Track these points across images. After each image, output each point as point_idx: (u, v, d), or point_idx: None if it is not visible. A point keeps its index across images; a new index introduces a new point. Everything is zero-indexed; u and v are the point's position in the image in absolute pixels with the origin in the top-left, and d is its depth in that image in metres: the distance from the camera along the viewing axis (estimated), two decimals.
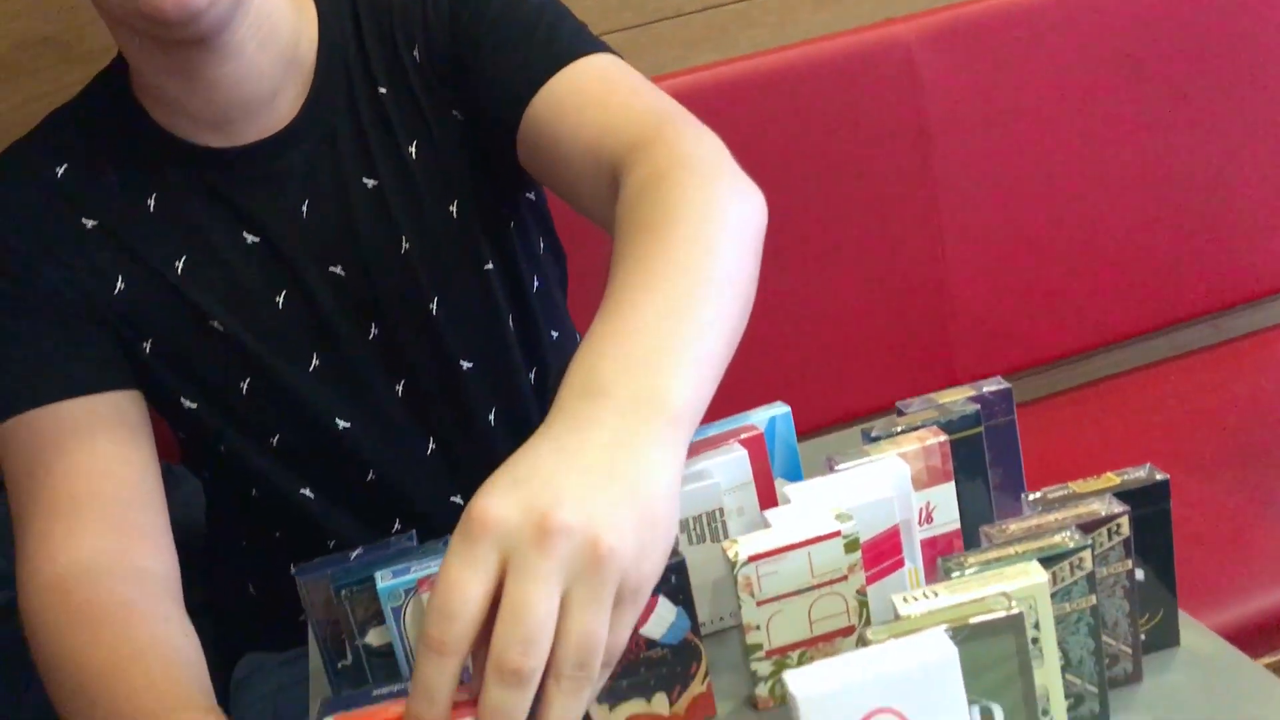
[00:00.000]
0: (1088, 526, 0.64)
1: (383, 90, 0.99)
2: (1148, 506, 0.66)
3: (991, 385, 0.82)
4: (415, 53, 0.99)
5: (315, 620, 0.78)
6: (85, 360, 0.94)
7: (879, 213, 1.51)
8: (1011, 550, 0.63)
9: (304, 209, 0.98)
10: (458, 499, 1.06)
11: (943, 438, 0.76)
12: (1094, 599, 0.63)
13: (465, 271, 1.02)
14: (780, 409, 0.85)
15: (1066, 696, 0.63)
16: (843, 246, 1.50)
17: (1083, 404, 1.61)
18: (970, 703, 0.58)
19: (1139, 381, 1.64)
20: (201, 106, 0.94)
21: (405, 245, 0.99)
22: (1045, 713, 0.62)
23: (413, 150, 0.99)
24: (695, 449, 0.82)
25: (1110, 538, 0.65)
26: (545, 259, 1.11)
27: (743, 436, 0.82)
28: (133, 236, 0.96)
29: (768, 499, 0.81)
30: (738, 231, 0.75)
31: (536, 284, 1.09)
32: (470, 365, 1.04)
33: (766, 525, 0.72)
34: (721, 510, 0.78)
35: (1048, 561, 0.62)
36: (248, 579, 1.14)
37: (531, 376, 1.08)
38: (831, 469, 0.76)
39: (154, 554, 0.89)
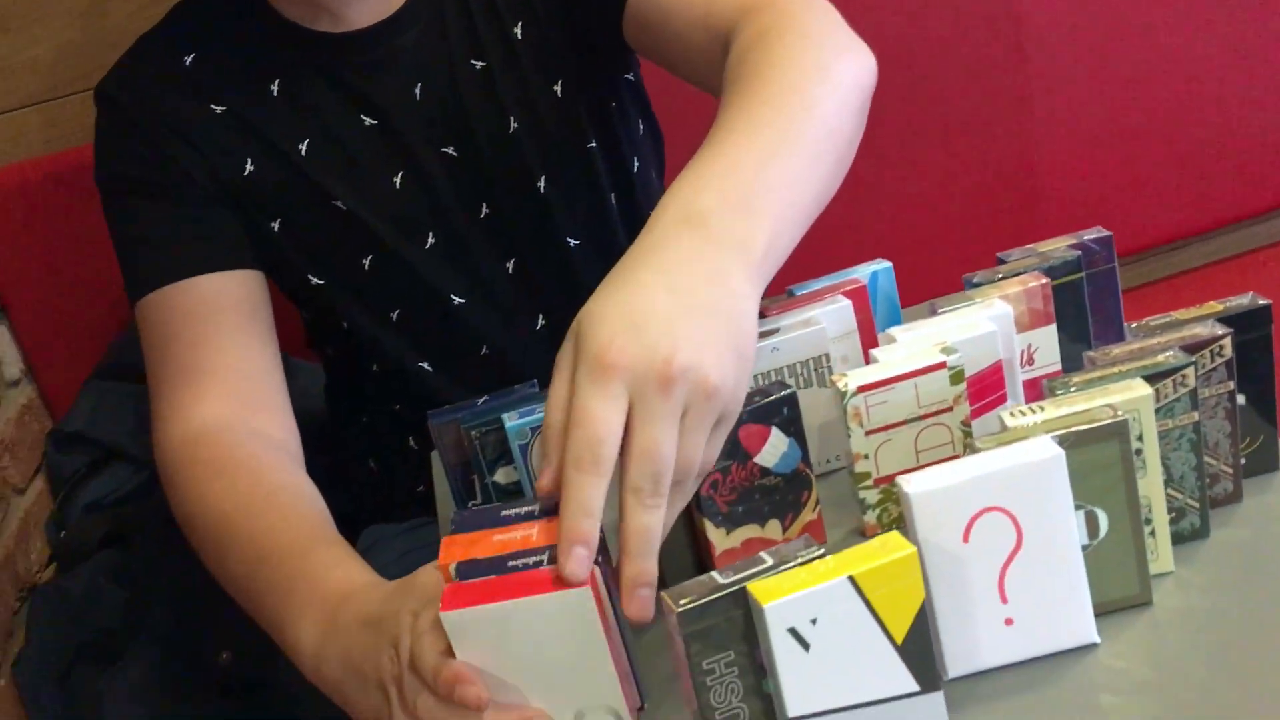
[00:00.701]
0: (1191, 348, 0.66)
1: None
2: (1250, 331, 0.68)
3: (1092, 234, 0.83)
4: None
5: (447, 463, 0.83)
6: (215, 240, 1.00)
7: (972, 100, 1.51)
8: (1115, 369, 0.66)
9: (416, 91, 1.02)
10: None
11: (1044, 280, 0.78)
12: (1196, 415, 0.65)
13: (570, 150, 1.06)
14: (882, 264, 0.88)
15: (1168, 510, 0.66)
16: (935, 138, 1.50)
17: (1180, 291, 1.61)
18: (1076, 507, 0.61)
19: (1239, 266, 1.63)
20: None
21: (513, 125, 1.03)
22: (1148, 522, 0.65)
23: (518, 31, 1.02)
24: (801, 301, 0.86)
25: (1213, 359, 0.67)
26: (644, 140, 1.14)
27: (846, 289, 0.85)
28: (258, 120, 1.01)
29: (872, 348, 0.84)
30: (842, 88, 0.77)
31: (636, 164, 1.12)
32: (577, 243, 1.08)
33: (872, 362, 0.75)
34: (827, 356, 0.82)
35: (1151, 379, 0.64)
36: (368, 454, 1.20)
37: None
38: (934, 313, 0.79)
39: (274, 421, 0.95)
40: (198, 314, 0.97)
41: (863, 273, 0.88)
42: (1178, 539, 0.67)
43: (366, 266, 1.05)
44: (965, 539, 0.60)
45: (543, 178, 1.05)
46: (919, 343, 0.75)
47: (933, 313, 0.79)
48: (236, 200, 1.01)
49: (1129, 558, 0.63)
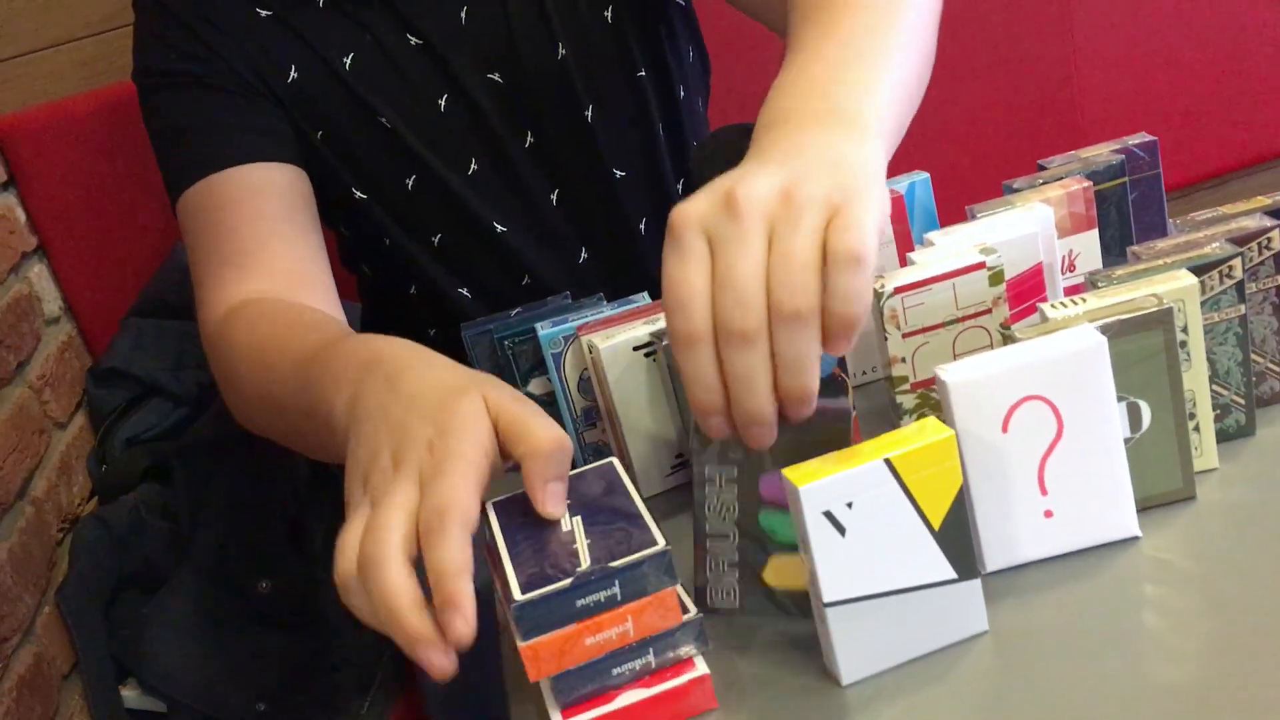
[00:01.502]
0: (1239, 240, 0.64)
1: None
2: None
3: (1137, 139, 0.81)
4: None
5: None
6: (261, 132, 0.98)
7: (1012, 35, 1.48)
8: (1160, 262, 0.64)
9: (463, 14, 1.01)
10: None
11: (1087, 184, 0.77)
12: (1242, 309, 0.64)
13: (619, 78, 1.04)
14: (919, 175, 0.87)
15: (1213, 407, 0.65)
16: (975, 54, 1.48)
17: None
18: (1118, 398, 0.60)
19: None
20: None
21: (561, 51, 1.02)
22: (1191, 417, 0.63)
23: None
24: None
25: (1260, 252, 0.65)
26: (692, 67, 1.13)
27: None
28: (304, 27, 1.00)
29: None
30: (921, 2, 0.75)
31: (683, 92, 1.11)
32: (623, 173, 1.07)
33: (909, 265, 0.74)
34: None
35: (1197, 270, 0.63)
36: None
37: (680, 186, 1.11)
38: (973, 218, 0.77)
39: (321, 299, 0.93)
40: (241, 202, 0.96)
41: (900, 184, 0.86)
42: (1222, 436, 0.66)
43: (410, 187, 1.04)
44: (1004, 429, 0.59)
45: (590, 106, 1.04)
46: (957, 245, 0.74)
47: (971, 218, 0.78)
48: (282, 103, 1.00)
49: (1172, 452, 0.62)
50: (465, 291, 1.09)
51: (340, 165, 1.02)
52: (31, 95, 1.39)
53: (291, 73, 1.00)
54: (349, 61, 1.00)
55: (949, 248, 0.74)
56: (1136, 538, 0.61)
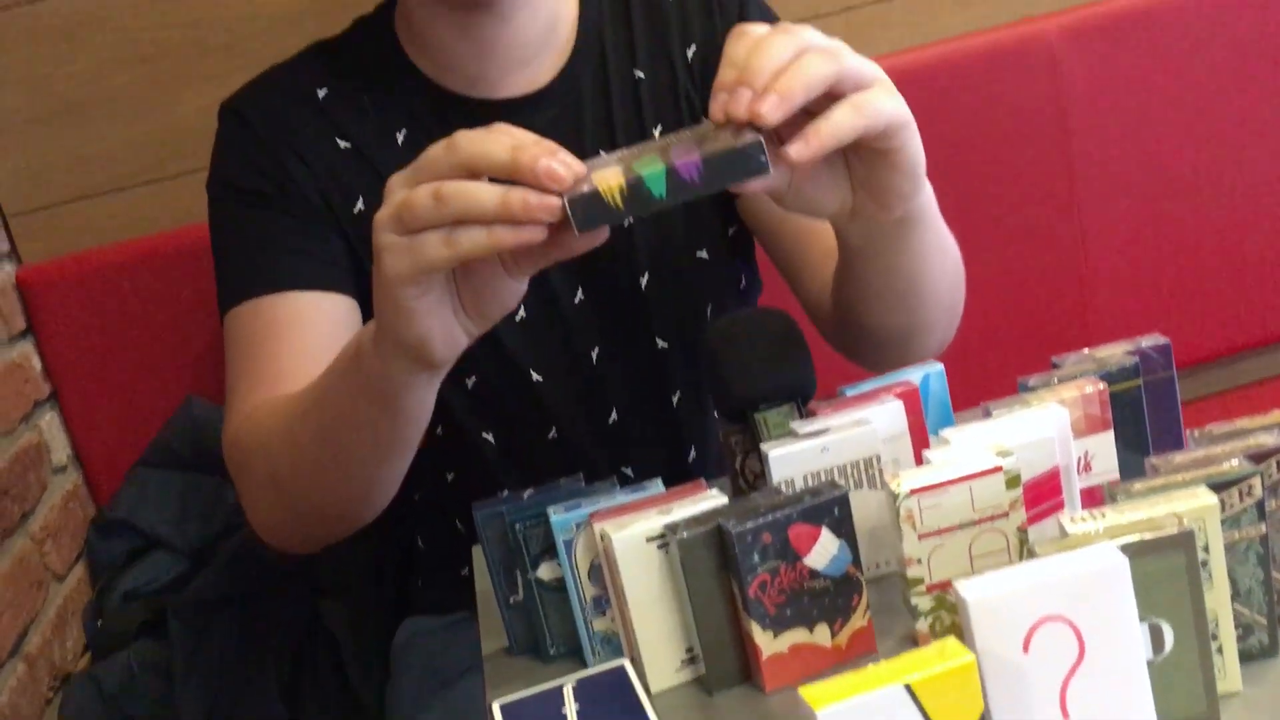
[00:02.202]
0: (1257, 457, 0.64)
1: (640, 74, 1.05)
2: None
3: (1150, 340, 0.82)
4: (689, 51, 1.06)
5: (490, 556, 0.82)
6: (320, 259, 1.00)
7: (1020, 209, 1.51)
8: (1179, 478, 0.64)
9: None
10: (628, 470, 1.10)
11: (1101, 385, 0.77)
12: (1264, 528, 0.63)
13: (681, 255, 1.07)
14: (934, 367, 0.87)
15: (1235, 627, 0.64)
16: (985, 245, 1.50)
17: (1230, 409, 1.58)
18: (1140, 619, 0.59)
19: None
20: (465, 60, 1.02)
21: (629, 219, 1.04)
22: (1214, 638, 0.62)
23: (657, 132, 1.05)
24: (851, 403, 0.85)
25: (1279, 469, 0.65)
26: (749, 271, 1.15)
27: (897, 391, 0.84)
28: (380, 163, 1.02)
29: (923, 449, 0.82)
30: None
31: (744, 282, 1.14)
32: (665, 345, 1.08)
33: (925, 464, 0.74)
34: (878, 458, 0.80)
35: (1217, 488, 0.62)
36: (416, 531, 1.18)
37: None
38: (988, 415, 0.77)
39: None
40: (286, 326, 0.97)
41: (915, 375, 0.87)
42: (1245, 657, 0.65)
43: None
44: (1025, 649, 0.58)
45: (646, 274, 1.06)
46: (972, 445, 0.74)
47: (986, 415, 0.78)
48: (340, 230, 1.02)
49: (1196, 674, 0.61)
50: (490, 437, 1.09)
51: None
52: (59, 247, 1.41)
53: (359, 204, 1.02)
54: None
55: (964, 447, 0.74)
56: None
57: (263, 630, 1.28)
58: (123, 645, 1.29)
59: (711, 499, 0.75)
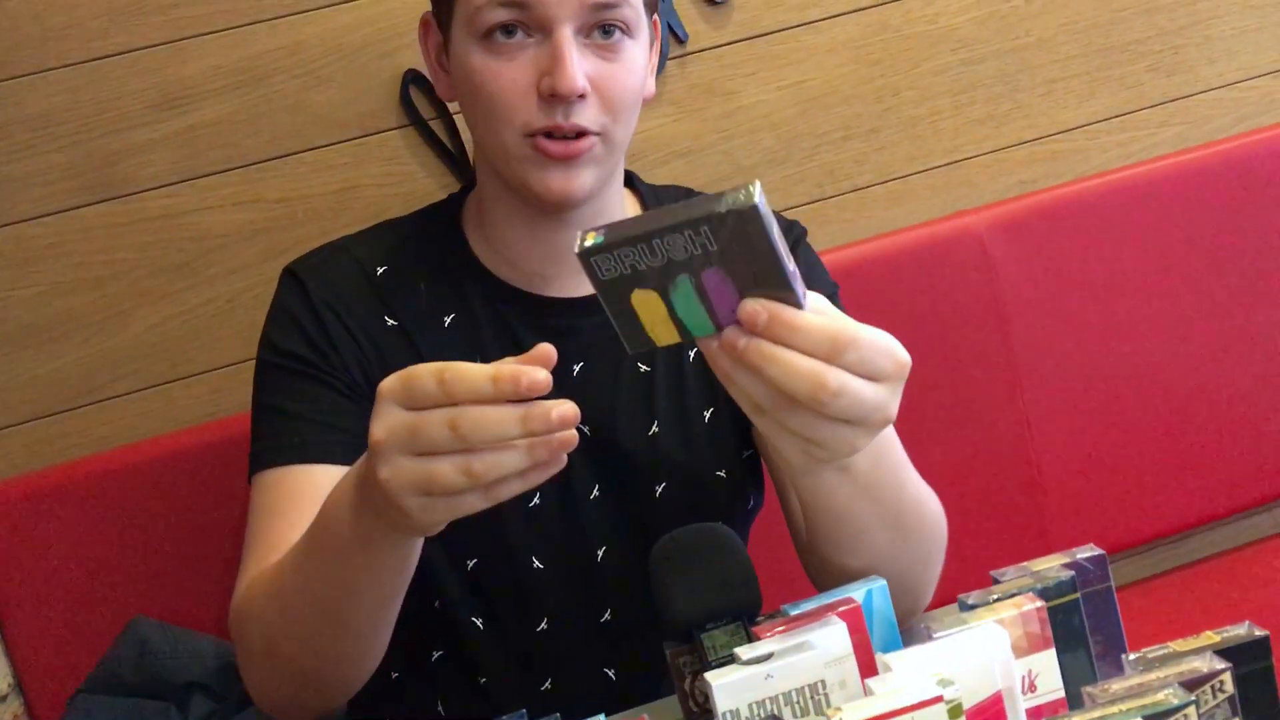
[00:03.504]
0: (1190, 684, 0.65)
1: None
2: (1250, 664, 0.67)
3: (1085, 552, 0.83)
4: None
5: None
6: (351, 435, 1.01)
7: (963, 398, 1.54)
8: (1115, 709, 0.64)
9: (575, 369, 1.06)
10: (610, 673, 1.10)
11: (1039, 604, 0.78)
12: None
13: (697, 470, 1.09)
14: (876, 582, 0.88)
15: None
16: (929, 432, 1.53)
17: (1187, 584, 1.58)
18: None
19: (1245, 559, 1.61)
20: (528, 257, 1.07)
21: (655, 429, 1.08)
22: None
23: (691, 354, 1.09)
24: (794, 622, 0.84)
25: (1214, 695, 0.65)
26: (757, 494, 1.17)
27: (840, 609, 0.84)
28: (425, 344, 1.05)
29: (868, 672, 0.82)
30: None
31: (750, 502, 1.15)
32: None
33: (869, 694, 0.73)
34: (824, 683, 0.80)
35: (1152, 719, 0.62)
36: (387, 712, 1.15)
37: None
38: (930, 637, 0.77)
39: None
40: (310, 499, 0.97)
41: (857, 591, 0.87)
42: None
43: None
44: None
45: (663, 484, 1.08)
46: (915, 670, 0.73)
47: (928, 636, 0.78)
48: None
49: None
50: (479, 622, 1.07)
51: None
52: (4, 469, 1.40)
53: None
54: None
55: (906, 674, 0.74)
56: None
57: None
58: None
59: None
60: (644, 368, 1.09)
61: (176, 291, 1.43)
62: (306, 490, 0.98)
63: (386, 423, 0.72)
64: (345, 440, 1.01)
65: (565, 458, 0.71)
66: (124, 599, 1.37)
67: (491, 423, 0.69)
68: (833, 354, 0.70)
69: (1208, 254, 1.59)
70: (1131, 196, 1.58)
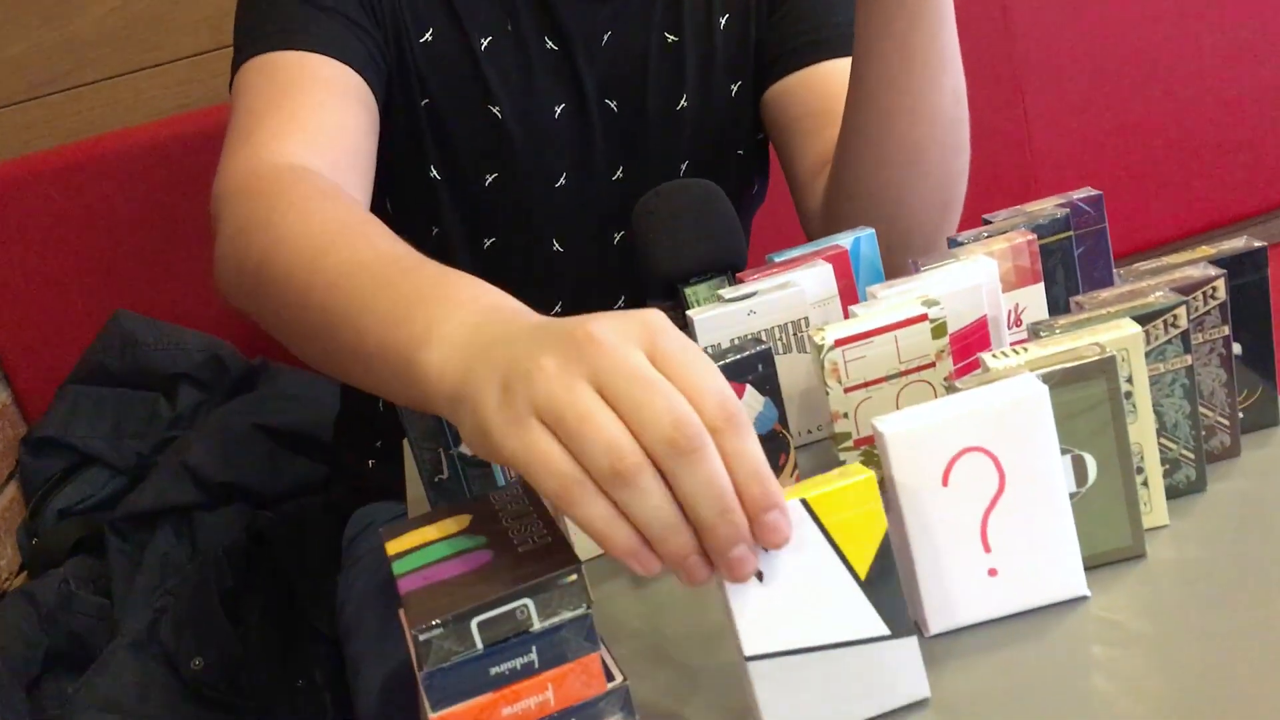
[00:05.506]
0: (1183, 289, 0.63)
1: None
2: (1245, 275, 0.65)
3: (1082, 193, 0.80)
4: None
5: (413, 437, 0.79)
6: (369, 52, 0.93)
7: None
8: (1103, 312, 0.62)
9: (605, 37, 1.01)
10: None
11: (1031, 236, 0.75)
12: (1189, 359, 0.62)
13: (722, 148, 1.06)
14: (864, 230, 0.85)
15: (1162, 462, 0.62)
16: None
17: None
18: (1062, 451, 0.58)
19: None
20: None
21: (683, 103, 1.04)
22: (1140, 471, 0.61)
23: (723, 21, 1.04)
24: (780, 268, 0.83)
25: (1206, 302, 0.63)
26: (762, 179, 1.14)
27: (828, 254, 0.82)
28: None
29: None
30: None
31: (755, 186, 1.12)
32: None
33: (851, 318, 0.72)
34: (807, 320, 0.78)
35: (1141, 319, 0.61)
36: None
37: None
38: (916, 270, 0.76)
39: (359, 193, 0.86)
40: (308, 81, 0.88)
41: (845, 239, 0.84)
42: (1172, 492, 0.64)
43: (487, 183, 1.02)
44: (945, 482, 0.56)
45: (686, 162, 1.05)
46: (900, 299, 0.72)
47: (915, 271, 0.76)
48: (400, 56, 0.97)
49: (1120, 507, 0.59)
50: None
51: (430, 140, 1.00)
52: None
53: (428, 34, 0.98)
54: (486, 43, 0.99)
55: (892, 301, 0.72)
56: (1085, 598, 0.58)
57: (203, 541, 1.26)
58: (58, 563, 1.27)
59: None
60: (672, 37, 1.03)
61: None
62: (303, 76, 0.87)
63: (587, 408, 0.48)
64: (367, 54, 0.91)
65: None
66: (104, 292, 1.36)
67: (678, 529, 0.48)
68: None
69: None
70: None
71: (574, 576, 0.52)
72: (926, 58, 0.87)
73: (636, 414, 0.47)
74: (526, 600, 0.51)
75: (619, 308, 1.07)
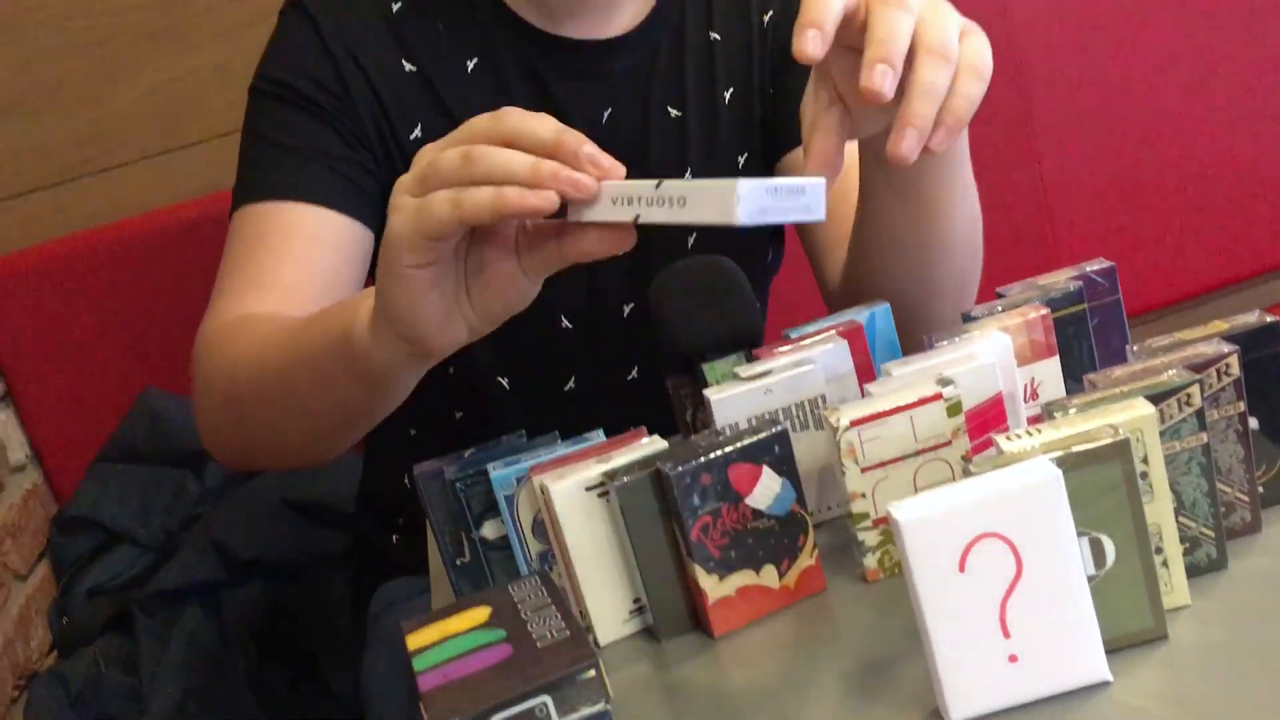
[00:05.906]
0: (1196, 367, 0.63)
1: (715, 36, 1.04)
2: (1259, 350, 0.65)
3: (1095, 265, 0.81)
4: (765, 19, 1.04)
5: (434, 520, 0.80)
6: (353, 184, 0.95)
7: (980, 157, 1.50)
8: (1116, 391, 0.62)
9: (605, 115, 1.02)
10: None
11: (1044, 310, 0.76)
12: (1204, 437, 0.62)
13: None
14: (880, 305, 0.86)
15: (1182, 540, 0.62)
16: None
17: None
18: (1079, 534, 0.58)
19: None
20: None
21: (688, 175, 1.04)
22: (1159, 551, 0.61)
23: (727, 95, 1.04)
24: (796, 342, 0.83)
25: (1220, 378, 0.63)
26: (776, 249, 1.15)
27: (843, 329, 0.83)
28: (446, 90, 0.99)
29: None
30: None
31: (770, 256, 1.13)
32: None
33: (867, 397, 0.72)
34: (823, 398, 0.79)
35: (1154, 398, 0.61)
36: (404, 469, 1.15)
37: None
38: (931, 346, 0.76)
39: None
40: (299, 238, 0.92)
41: (861, 315, 0.85)
42: (1193, 571, 0.63)
43: None
44: (961, 568, 0.56)
45: (694, 236, 1.05)
46: (915, 377, 0.72)
47: (929, 347, 0.76)
48: (392, 162, 0.98)
49: (1140, 589, 0.59)
50: (504, 381, 1.06)
51: None
52: (4, 244, 1.39)
53: (417, 130, 0.98)
54: None
55: (907, 379, 0.72)
56: (1108, 683, 0.58)
57: (228, 619, 1.26)
58: (88, 642, 1.27)
59: (650, 445, 0.74)
60: (675, 112, 1.03)
61: (164, 57, 1.38)
62: (297, 227, 0.92)
63: (411, 170, 0.65)
64: (344, 185, 0.94)
65: (554, 200, 0.63)
66: (133, 371, 1.38)
67: (505, 154, 0.62)
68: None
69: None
70: None
71: (592, 672, 0.52)
72: (936, 195, 0.85)
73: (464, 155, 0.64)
74: (545, 697, 0.51)
75: (632, 379, 1.08)
